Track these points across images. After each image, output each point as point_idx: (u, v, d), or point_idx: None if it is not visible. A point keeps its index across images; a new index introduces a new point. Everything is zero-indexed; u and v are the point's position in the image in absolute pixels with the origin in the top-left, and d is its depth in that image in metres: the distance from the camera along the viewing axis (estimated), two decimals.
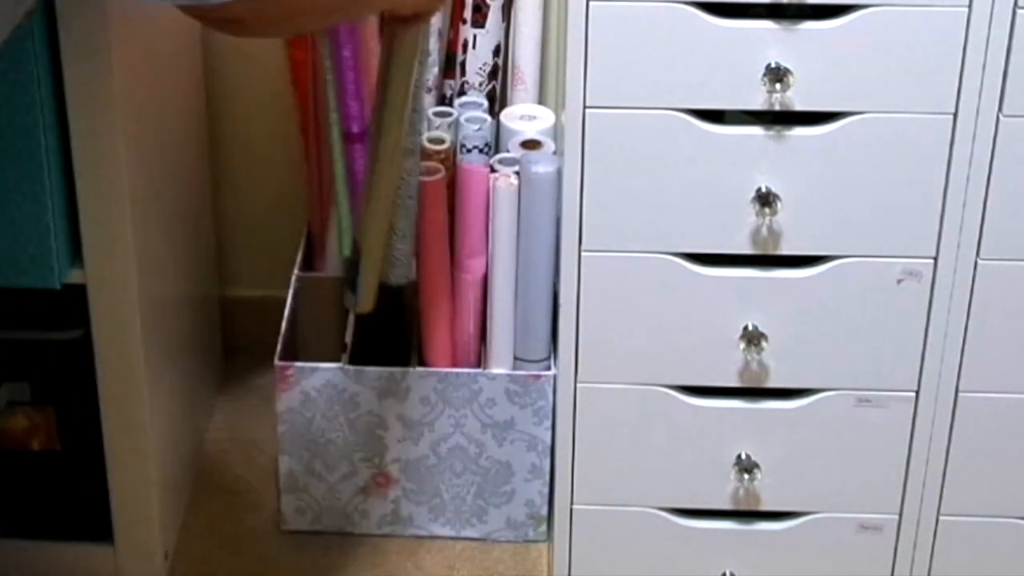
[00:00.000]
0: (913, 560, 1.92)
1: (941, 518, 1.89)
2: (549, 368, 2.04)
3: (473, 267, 2.01)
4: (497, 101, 2.15)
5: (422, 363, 2.06)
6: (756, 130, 1.71)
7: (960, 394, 1.82)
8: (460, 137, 2.03)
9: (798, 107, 1.69)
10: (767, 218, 1.73)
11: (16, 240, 1.77)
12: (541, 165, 1.94)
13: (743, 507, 1.90)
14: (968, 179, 1.71)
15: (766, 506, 1.90)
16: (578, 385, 1.84)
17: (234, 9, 1.28)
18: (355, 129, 1.96)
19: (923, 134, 1.70)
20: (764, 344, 1.79)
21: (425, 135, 2.01)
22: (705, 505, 1.91)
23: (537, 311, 2.01)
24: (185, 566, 2.07)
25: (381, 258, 1.83)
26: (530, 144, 2.04)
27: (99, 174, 1.77)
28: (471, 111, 2.08)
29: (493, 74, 2.14)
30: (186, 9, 1.31)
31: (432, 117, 2.04)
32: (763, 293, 1.78)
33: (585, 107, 1.70)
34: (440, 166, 1.97)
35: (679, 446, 1.87)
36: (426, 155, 1.99)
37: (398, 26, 1.60)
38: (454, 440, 2.07)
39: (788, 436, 1.86)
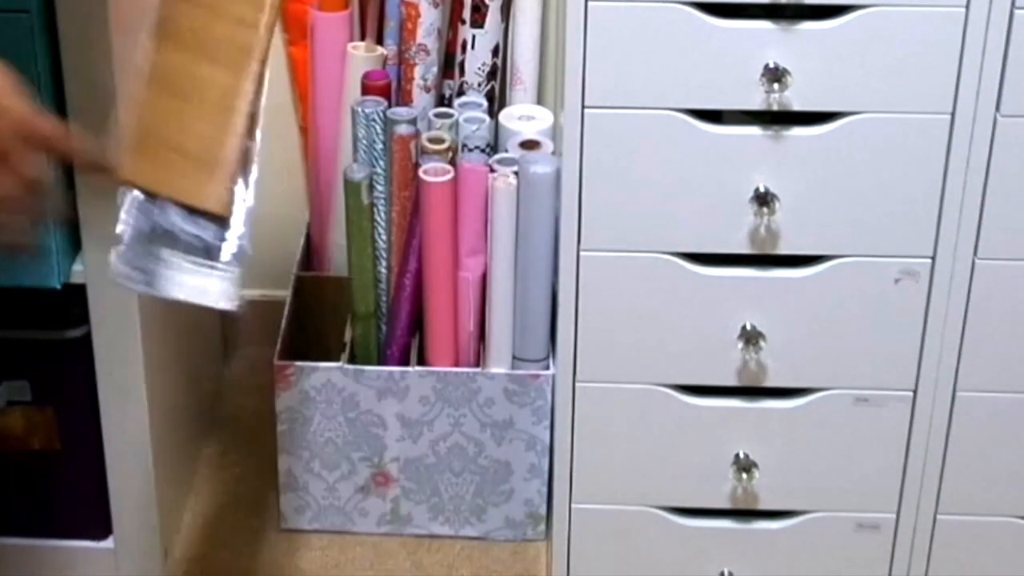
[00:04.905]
0: (911, 559, 1.92)
1: (938, 517, 1.90)
2: (548, 368, 2.04)
3: (472, 266, 2.01)
4: (496, 101, 2.16)
5: (422, 362, 2.07)
6: (754, 130, 1.71)
7: (957, 393, 1.83)
8: (460, 137, 2.04)
9: (796, 107, 1.69)
10: (765, 218, 1.73)
11: None
12: (540, 165, 1.94)
13: (741, 506, 1.91)
14: (965, 179, 1.72)
15: (764, 505, 1.91)
16: (577, 384, 1.85)
17: None
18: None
19: (921, 134, 1.70)
20: (762, 343, 1.79)
21: (425, 135, 2.01)
22: (703, 504, 1.91)
23: (536, 311, 2.01)
24: (185, 566, 2.08)
25: None
26: (529, 144, 2.05)
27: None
28: (470, 111, 2.09)
29: (492, 74, 2.14)
30: None
31: (432, 118, 2.05)
32: (761, 293, 1.79)
33: (584, 107, 1.70)
34: (449, 167, 1.97)
35: (677, 445, 1.87)
36: (426, 155, 1.99)
37: None
38: (453, 439, 2.07)
39: (786, 435, 1.86)
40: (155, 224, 1.54)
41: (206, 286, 1.56)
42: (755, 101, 1.69)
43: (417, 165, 1.98)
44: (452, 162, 1.99)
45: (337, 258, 2.17)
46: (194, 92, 1.54)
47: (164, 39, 1.52)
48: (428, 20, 2.09)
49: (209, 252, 1.56)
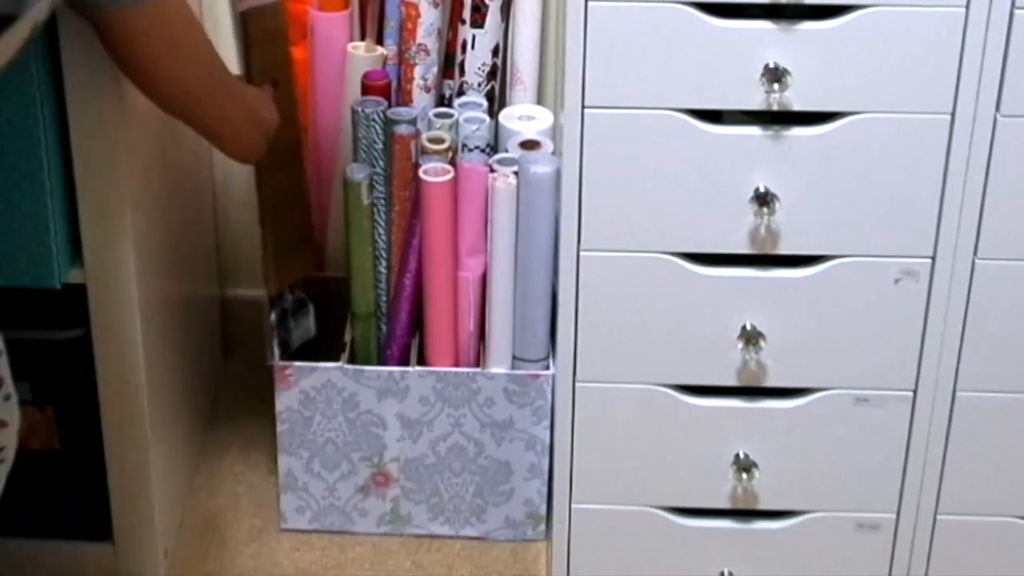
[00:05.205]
0: (911, 558, 1.92)
1: (938, 517, 1.90)
2: (548, 368, 2.04)
3: (472, 266, 2.01)
4: (496, 101, 2.16)
5: (422, 362, 2.07)
6: (754, 130, 1.71)
7: (957, 393, 1.83)
8: (460, 137, 2.04)
9: (796, 107, 1.69)
10: (765, 218, 1.74)
11: (16, 240, 1.77)
12: (540, 165, 1.95)
13: (741, 506, 1.91)
14: (965, 179, 1.72)
15: (764, 505, 1.91)
16: (577, 385, 1.85)
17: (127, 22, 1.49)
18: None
19: (921, 134, 1.70)
20: (762, 343, 1.79)
21: (425, 135, 2.01)
22: (703, 504, 1.91)
23: (536, 311, 2.01)
24: (185, 566, 2.08)
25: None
26: (529, 144, 2.05)
27: (99, 174, 1.77)
28: (470, 111, 2.09)
29: (492, 74, 2.14)
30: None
31: (432, 118, 2.05)
32: (761, 293, 1.79)
33: (584, 107, 1.70)
34: (449, 167, 1.97)
35: (677, 445, 1.87)
36: (427, 155, 2.00)
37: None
38: (453, 439, 2.07)
39: (786, 435, 1.86)
40: (280, 312, 2.04)
41: (308, 325, 2.09)
42: (755, 101, 1.69)
43: (417, 165, 1.98)
44: (452, 162, 1.99)
45: (337, 258, 2.17)
46: (279, 206, 2.00)
47: (258, 185, 1.99)
48: (428, 20, 2.09)
49: (301, 301, 2.07)
